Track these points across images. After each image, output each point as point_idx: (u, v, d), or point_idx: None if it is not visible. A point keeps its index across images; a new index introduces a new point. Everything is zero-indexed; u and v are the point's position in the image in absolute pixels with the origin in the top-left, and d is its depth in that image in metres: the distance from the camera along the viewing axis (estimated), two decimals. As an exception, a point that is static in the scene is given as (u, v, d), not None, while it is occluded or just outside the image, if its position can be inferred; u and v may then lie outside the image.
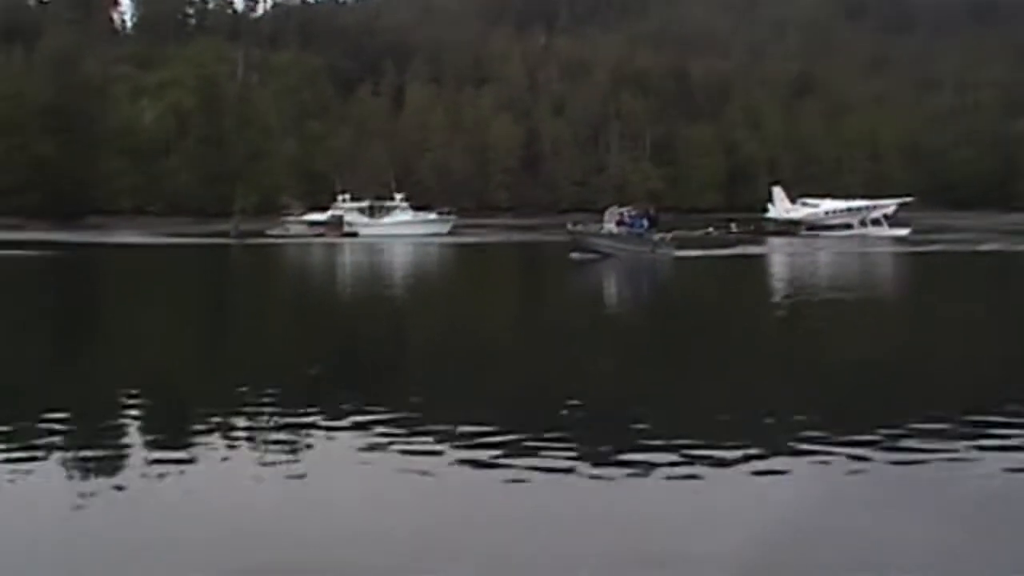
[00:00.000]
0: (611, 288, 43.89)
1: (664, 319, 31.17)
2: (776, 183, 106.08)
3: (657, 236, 58.62)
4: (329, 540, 9.72)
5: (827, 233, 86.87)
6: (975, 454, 12.57)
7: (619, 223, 59.17)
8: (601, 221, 61.43)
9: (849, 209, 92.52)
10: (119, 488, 11.19)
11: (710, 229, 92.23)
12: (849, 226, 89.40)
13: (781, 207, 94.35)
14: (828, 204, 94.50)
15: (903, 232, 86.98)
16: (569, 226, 61.72)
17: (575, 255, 56.21)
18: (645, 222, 59.35)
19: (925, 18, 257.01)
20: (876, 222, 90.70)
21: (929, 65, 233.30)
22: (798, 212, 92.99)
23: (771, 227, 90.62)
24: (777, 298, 39.15)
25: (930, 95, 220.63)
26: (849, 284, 44.18)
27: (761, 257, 62.77)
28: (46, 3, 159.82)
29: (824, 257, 62.31)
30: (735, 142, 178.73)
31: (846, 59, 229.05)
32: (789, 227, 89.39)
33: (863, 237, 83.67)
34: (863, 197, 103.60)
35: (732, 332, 27.39)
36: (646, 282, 46.78)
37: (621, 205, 67.12)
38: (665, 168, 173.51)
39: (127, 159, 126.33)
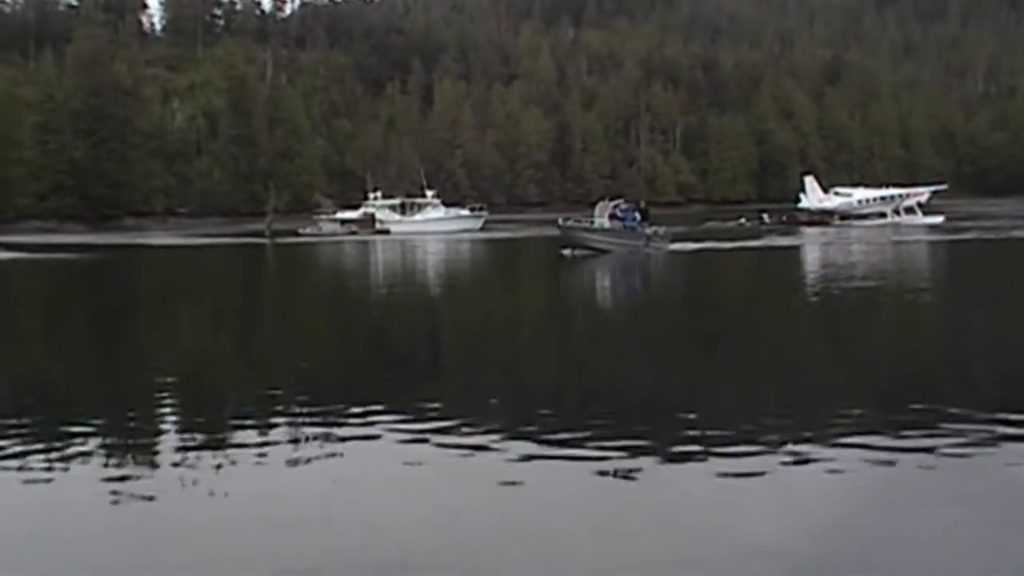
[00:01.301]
0: (616, 284, 42.80)
1: (670, 314, 30.79)
2: (808, 173, 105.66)
3: (650, 229, 56.55)
4: (363, 535, 9.82)
5: (860, 222, 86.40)
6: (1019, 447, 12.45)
7: (611, 217, 56.89)
8: (591, 216, 59.11)
9: (882, 198, 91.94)
10: (154, 484, 11.25)
11: (742, 220, 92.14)
12: (882, 215, 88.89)
13: (813, 197, 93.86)
14: (861, 193, 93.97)
15: (937, 220, 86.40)
16: (560, 221, 58.73)
17: (566, 251, 54.29)
18: (637, 216, 57.16)
19: (956, 4, 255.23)
20: (909, 210, 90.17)
21: (961, 51, 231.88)
22: (831, 202, 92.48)
23: (804, 217, 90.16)
24: (786, 289, 38.78)
25: (962, 81, 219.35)
26: (874, 273, 43.78)
27: (771, 249, 61.18)
28: (76, 7, 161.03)
29: (843, 247, 61.41)
30: (766, 132, 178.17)
31: (877, 46, 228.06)
32: (822, 217, 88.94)
33: (896, 226, 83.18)
34: (896, 185, 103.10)
35: (744, 326, 27.15)
36: (644, 276, 45.73)
37: (612, 198, 64.02)
38: (696, 160, 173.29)
39: (159, 161, 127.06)
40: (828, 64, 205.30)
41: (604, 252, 53.37)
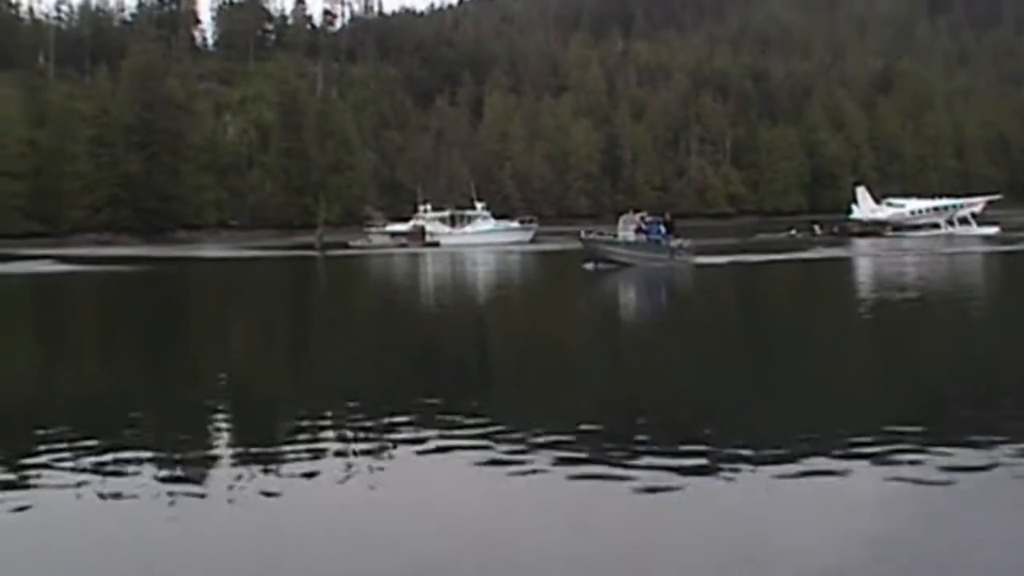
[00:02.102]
0: (639, 298, 42.35)
1: (697, 328, 30.53)
2: (860, 183, 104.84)
3: (675, 243, 55.44)
4: (411, 546, 9.85)
5: (913, 233, 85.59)
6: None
7: (636, 230, 55.92)
8: (615, 229, 58.45)
9: (935, 208, 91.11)
10: (206, 499, 11.41)
11: (793, 231, 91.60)
12: (936, 225, 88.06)
13: (866, 207, 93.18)
14: (914, 203, 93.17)
15: (992, 231, 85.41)
16: (582, 234, 57.84)
17: (589, 265, 53.43)
18: (662, 228, 56.00)
19: (1010, 11, 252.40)
20: (964, 221, 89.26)
21: (1016, 59, 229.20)
22: (883, 212, 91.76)
23: (856, 228, 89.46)
24: (826, 302, 38.50)
25: (1017, 89, 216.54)
26: (923, 284, 43.23)
27: (820, 261, 60.61)
28: (131, 23, 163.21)
29: (894, 258, 60.56)
30: (817, 143, 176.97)
31: (929, 55, 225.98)
32: (875, 228, 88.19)
33: (950, 237, 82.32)
34: (949, 195, 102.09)
35: (773, 340, 26.99)
36: (668, 290, 44.95)
37: (636, 211, 63.28)
38: (746, 171, 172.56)
39: (211, 174, 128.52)
40: (880, 74, 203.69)
41: (627, 266, 52.54)
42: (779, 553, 9.47)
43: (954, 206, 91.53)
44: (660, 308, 38.81)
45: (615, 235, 57.12)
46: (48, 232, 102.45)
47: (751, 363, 22.30)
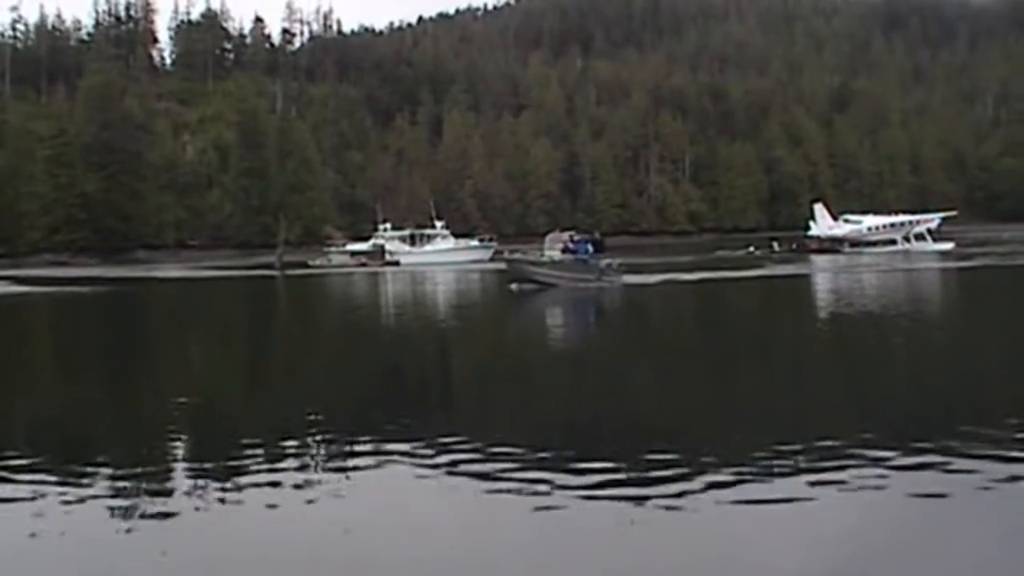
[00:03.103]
0: (561, 320, 40.60)
1: (618, 348, 30.23)
2: (817, 200, 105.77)
3: (604, 263, 53.88)
4: (375, 566, 9.86)
5: (871, 249, 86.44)
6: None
7: (563, 250, 54.59)
8: (541, 248, 57.38)
9: (892, 225, 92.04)
10: (167, 519, 11.29)
11: (751, 248, 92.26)
12: (893, 242, 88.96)
13: (823, 224, 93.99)
14: (870, 220, 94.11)
15: (947, 247, 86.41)
16: (506, 254, 57.12)
17: (514, 286, 51.76)
18: (590, 247, 54.81)
19: (965, 29, 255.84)
20: (920, 237, 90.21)
21: (970, 76, 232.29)
22: (840, 229, 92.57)
23: (814, 245, 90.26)
24: (760, 320, 38.71)
25: (972, 107, 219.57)
26: (877, 299, 43.62)
27: (771, 278, 59.60)
28: (88, 42, 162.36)
29: (851, 274, 60.57)
30: (775, 160, 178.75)
31: (886, 72, 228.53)
32: (832, 244, 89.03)
33: (907, 253, 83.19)
34: (906, 211, 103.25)
35: (711, 360, 26.86)
36: (587, 312, 43.39)
37: (565, 229, 62.27)
38: (706, 188, 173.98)
39: (170, 194, 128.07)
40: (836, 91, 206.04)
41: (552, 286, 51.01)
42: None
43: (910, 222, 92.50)
44: (577, 329, 37.53)
45: (540, 255, 56.03)
46: (4, 253, 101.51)
47: (672, 383, 22.39)
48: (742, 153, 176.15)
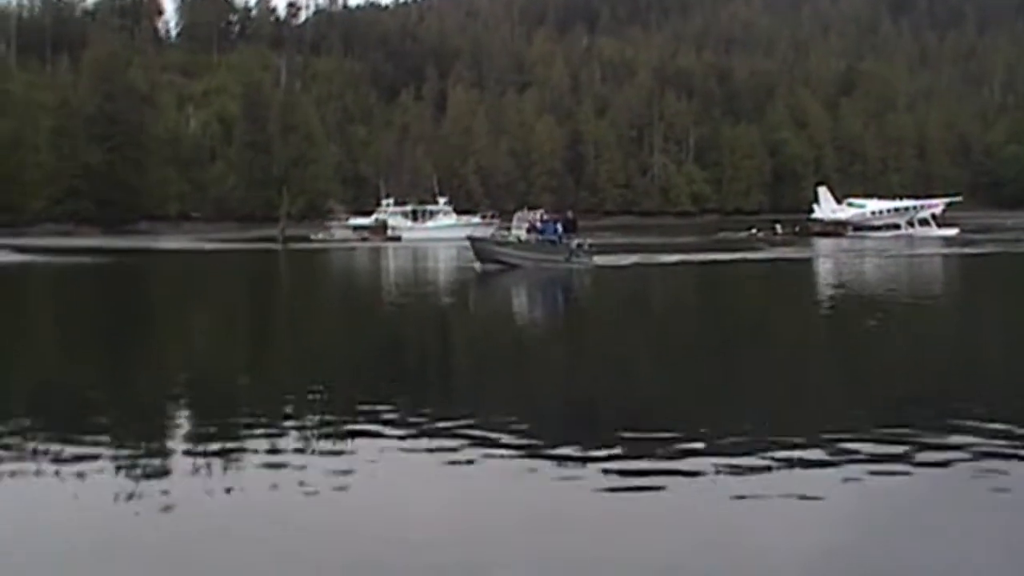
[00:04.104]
0: (529, 299, 40.04)
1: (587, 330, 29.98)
2: (821, 183, 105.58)
3: (575, 243, 52.20)
4: (378, 546, 9.78)
5: (874, 234, 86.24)
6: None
7: (529, 229, 53.20)
8: (508, 227, 56.25)
9: (896, 209, 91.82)
10: (169, 494, 11.23)
11: (754, 230, 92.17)
12: (897, 226, 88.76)
13: (827, 208, 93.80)
14: (874, 204, 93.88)
15: (951, 232, 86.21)
16: (470, 232, 56.19)
17: (477, 266, 51.05)
18: (559, 227, 52.95)
19: (972, 12, 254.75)
20: (924, 222, 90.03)
21: (978, 60, 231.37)
22: (844, 213, 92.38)
23: (817, 228, 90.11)
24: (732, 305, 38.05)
25: (979, 91, 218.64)
26: (877, 284, 43.50)
27: (759, 262, 58.55)
28: (92, 13, 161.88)
29: (853, 258, 60.04)
30: (780, 142, 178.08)
31: (892, 55, 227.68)
32: (835, 228, 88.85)
33: (910, 238, 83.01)
34: (910, 196, 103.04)
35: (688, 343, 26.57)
36: (552, 293, 42.29)
37: (533, 208, 61.01)
38: (709, 169, 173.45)
39: (174, 166, 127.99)
40: (843, 74, 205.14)
41: (516, 267, 50.04)
42: (746, 560, 9.42)
43: (915, 207, 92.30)
44: (544, 312, 36.21)
45: (507, 234, 55.08)
46: (8, 222, 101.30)
47: (646, 368, 22.24)
48: (746, 135, 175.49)
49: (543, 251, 51.38)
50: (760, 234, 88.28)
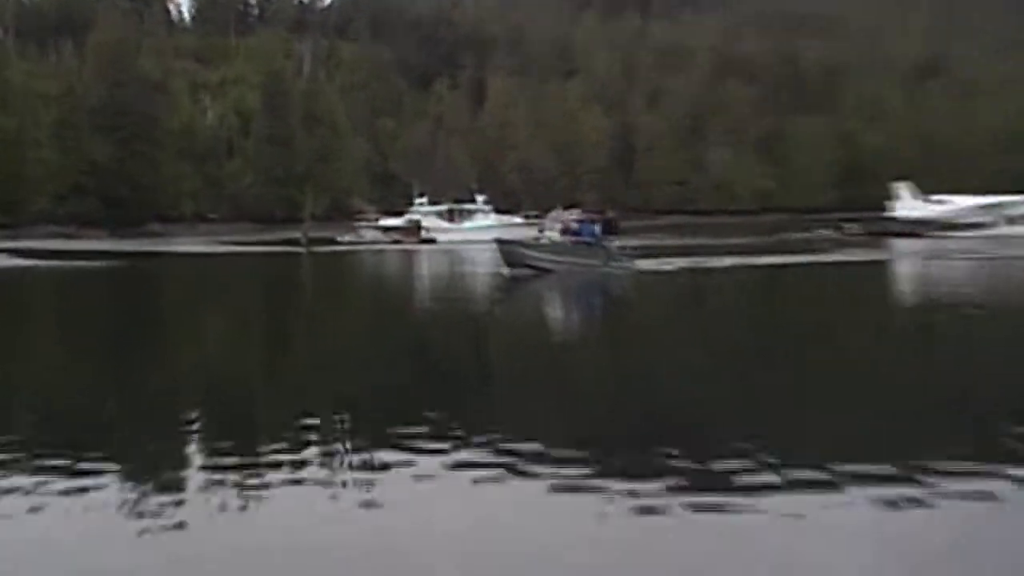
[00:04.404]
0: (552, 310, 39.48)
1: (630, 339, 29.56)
2: (900, 179, 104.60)
3: (614, 246, 51.76)
4: (397, 562, 9.90)
5: (959, 234, 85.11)
6: None
7: (563, 230, 52.82)
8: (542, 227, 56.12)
9: (984, 206, 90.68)
10: (182, 513, 11.28)
11: (824, 230, 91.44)
12: (984, 225, 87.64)
13: (906, 205, 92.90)
14: (959, 201, 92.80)
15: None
16: (496, 235, 55.44)
17: (505, 271, 50.43)
18: (596, 229, 52.28)
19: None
20: (1015, 220, 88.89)
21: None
22: (925, 211, 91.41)
23: (895, 228, 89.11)
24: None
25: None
26: (961, 294, 42.88)
27: (825, 266, 57.10)
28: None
29: (931, 262, 58.91)
30: (852, 134, 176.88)
31: (976, 39, 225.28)
32: (915, 228, 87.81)
33: (1001, 238, 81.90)
34: (999, 192, 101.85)
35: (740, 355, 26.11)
36: (591, 302, 41.87)
37: (570, 207, 60.74)
38: (774, 165, 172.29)
39: (187, 161, 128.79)
40: (923, 58, 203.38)
41: (548, 272, 49.30)
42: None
43: (1006, 204, 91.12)
44: (579, 320, 36.05)
45: (540, 236, 54.66)
46: (6, 223, 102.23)
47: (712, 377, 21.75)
48: (815, 126, 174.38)
49: (578, 254, 50.90)
50: (834, 233, 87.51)
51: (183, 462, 13.76)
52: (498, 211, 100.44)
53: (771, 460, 13.06)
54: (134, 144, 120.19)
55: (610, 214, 57.91)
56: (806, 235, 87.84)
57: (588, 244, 51.49)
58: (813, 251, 67.34)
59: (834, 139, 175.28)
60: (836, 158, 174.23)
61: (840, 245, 74.67)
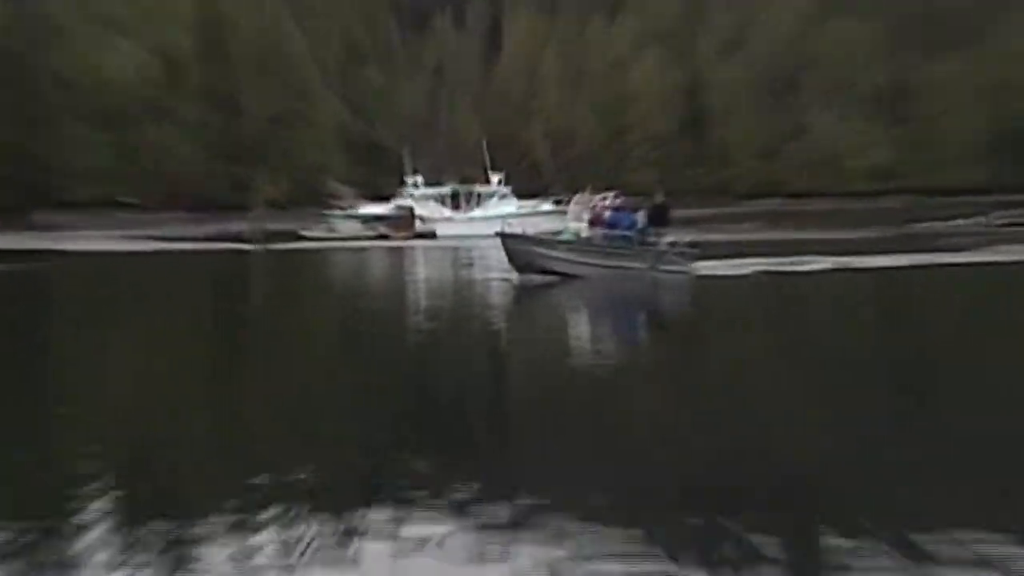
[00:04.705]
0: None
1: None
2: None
3: (664, 242, 50.69)
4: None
5: None
6: None
7: (592, 221, 51.51)
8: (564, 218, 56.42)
9: None
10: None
11: (981, 217, 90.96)
12: None
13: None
14: None
15: None
16: (502, 229, 53.64)
17: (514, 277, 50.59)
18: (639, 219, 51.31)
19: None
20: None
21: None
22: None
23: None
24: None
25: None
26: None
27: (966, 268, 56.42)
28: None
29: None
30: (1006, 84, 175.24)
31: None
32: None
33: None
34: None
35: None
36: (631, 321, 41.16)
37: (600, 190, 57.94)
38: (896, 129, 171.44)
39: (94, 127, 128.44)
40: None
41: (572, 277, 48.98)
42: None
43: None
44: (618, 349, 34.26)
45: (561, 230, 54.19)
46: None
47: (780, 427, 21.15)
48: (952, 76, 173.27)
49: (613, 254, 50.33)
50: (992, 221, 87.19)
51: (90, 545, 12.95)
52: (520, 195, 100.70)
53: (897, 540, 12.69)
54: (19, 103, 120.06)
55: (659, 199, 55.37)
56: (939, 225, 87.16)
57: (627, 240, 50.66)
58: (948, 249, 66.12)
59: (979, 95, 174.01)
60: (981, 119, 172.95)
61: (987, 240, 73.88)
